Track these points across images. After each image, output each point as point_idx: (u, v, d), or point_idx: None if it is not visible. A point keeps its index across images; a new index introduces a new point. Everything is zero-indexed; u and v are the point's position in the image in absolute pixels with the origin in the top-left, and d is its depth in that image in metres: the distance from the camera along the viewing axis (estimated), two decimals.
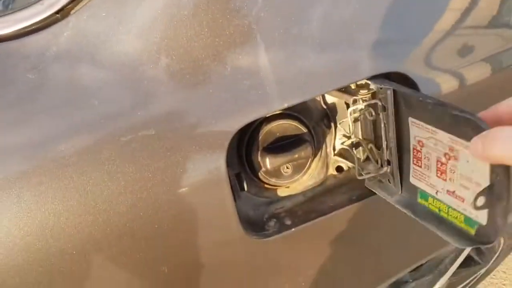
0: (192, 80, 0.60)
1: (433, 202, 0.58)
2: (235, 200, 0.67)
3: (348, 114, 0.67)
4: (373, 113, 0.65)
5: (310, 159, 0.71)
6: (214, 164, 0.62)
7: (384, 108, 0.63)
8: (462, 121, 0.49)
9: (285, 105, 0.65)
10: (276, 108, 0.65)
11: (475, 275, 1.26)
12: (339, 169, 0.79)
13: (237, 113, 0.62)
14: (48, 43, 0.52)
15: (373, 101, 0.65)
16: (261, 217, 0.74)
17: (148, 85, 0.58)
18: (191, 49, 0.60)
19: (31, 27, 0.53)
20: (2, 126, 0.52)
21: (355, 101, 0.66)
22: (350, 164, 0.75)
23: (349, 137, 0.73)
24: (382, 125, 0.64)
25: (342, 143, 0.74)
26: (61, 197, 0.53)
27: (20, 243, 0.55)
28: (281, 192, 0.76)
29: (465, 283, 1.26)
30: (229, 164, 0.70)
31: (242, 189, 0.67)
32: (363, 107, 0.66)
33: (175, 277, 0.68)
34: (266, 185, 0.73)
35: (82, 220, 0.58)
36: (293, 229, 0.73)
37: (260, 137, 0.68)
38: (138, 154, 0.59)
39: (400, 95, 0.63)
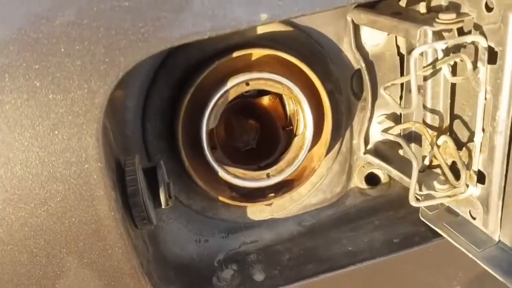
0: None
1: None
2: (136, 226, 0.40)
3: (412, 66, 0.40)
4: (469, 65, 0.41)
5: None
6: (79, 152, 0.36)
7: (494, 57, 0.39)
8: None
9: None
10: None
11: None
12: (371, 179, 0.57)
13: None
14: None
15: (467, 38, 0.39)
16: (210, 261, 0.50)
17: None
18: None
19: None
20: None
21: (424, 40, 0.42)
22: (394, 173, 0.51)
23: (399, 118, 0.52)
24: (482, 96, 0.41)
25: (384, 130, 0.50)
26: None
27: None
28: (254, 213, 0.51)
29: None
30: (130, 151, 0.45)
31: (161, 204, 0.42)
32: (441, 52, 0.41)
33: None
34: (222, 197, 0.47)
35: None
36: None
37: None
38: None
39: None
